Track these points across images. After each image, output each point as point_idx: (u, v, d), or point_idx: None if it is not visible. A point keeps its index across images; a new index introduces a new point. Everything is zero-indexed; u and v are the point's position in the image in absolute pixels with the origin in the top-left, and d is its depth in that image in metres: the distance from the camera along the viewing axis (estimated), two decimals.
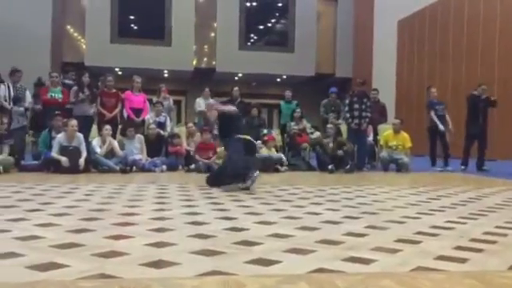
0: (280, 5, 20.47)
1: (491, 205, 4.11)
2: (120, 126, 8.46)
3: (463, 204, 4.13)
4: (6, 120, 7.44)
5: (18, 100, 7.86)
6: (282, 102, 10.52)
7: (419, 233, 2.77)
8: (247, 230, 2.78)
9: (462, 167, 8.76)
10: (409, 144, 8.80)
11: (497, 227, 3.02)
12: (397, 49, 17.67)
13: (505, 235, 2.77)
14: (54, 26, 17.60)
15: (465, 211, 3.69)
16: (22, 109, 7.80)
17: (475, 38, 13.59)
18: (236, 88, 10.07)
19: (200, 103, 9.81)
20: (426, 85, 15.72)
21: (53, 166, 6.86)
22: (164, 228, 2.78)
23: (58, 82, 8.22)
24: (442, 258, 2.20)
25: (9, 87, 7.91)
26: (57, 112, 7.55)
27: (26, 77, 8.61)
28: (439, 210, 3.71)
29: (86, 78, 8.12)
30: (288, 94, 10.44)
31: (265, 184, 5.68)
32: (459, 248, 2.40)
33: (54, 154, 6.87)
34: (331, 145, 8.20)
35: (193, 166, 7.72)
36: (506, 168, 9.27)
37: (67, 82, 8.70)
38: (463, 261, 2.15)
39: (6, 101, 7.78)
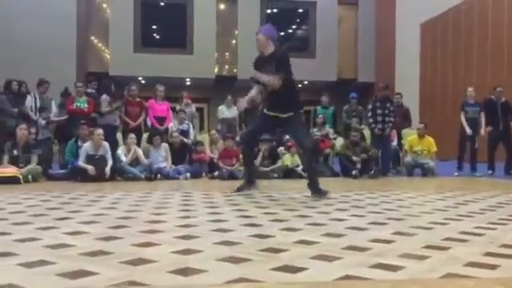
0: (301, 11, 20.48)
1: None
2: (145, 135, 8.58)
3: (492, 209, 4.05)
4: (33, 130, 7.62)
5: (43, 110, 8.04)
6: (318, 108, 10.43)
7: (447, 239, 2.73)
8: (273, 236, 2.78)
9: (489, 172, 8.59)
10: (434, 148, 8.69)
11: None
12: (420, 52, 17.48)
13: None
14: (78, 37, 17.96)
15: (494, 216, 3.62)
16: (43, 122, 7.96)
17: (500, 40, 13.35)
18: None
19: (223, 111, 9.89)
20: (450, 88, 15.54)
21: (80, 175, 6.98)
22: (190, 235, 2.80)
23: (82, 92, 8.39)
24: (471, 264, 2.16)
25: (35, 98, 8.10)
26: (82, 121, 7.70)
27: (53, 88, 8.81)
28: (467, 216, 3.65)
29: (113, 87, 8.30)
30: (325, 99, 10.35)
31: (289, 190, 5.68)
32: (489, 254, 2.36)
33: (81, 162, 7.00)
34: (355, 158, 8.10)
35: (216, 173, 7.77)
36: None
37: (90, 91, 8.86)
38: (493, 267, 2.10)
39: (32, 111, 7.98)
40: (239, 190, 5.19)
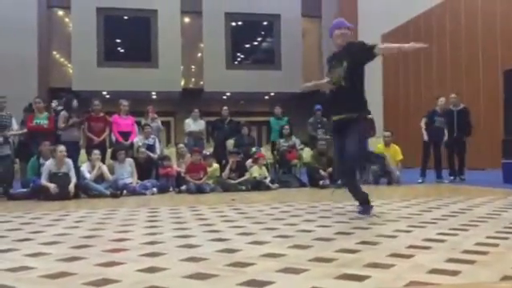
0: (265, 23, 20.68)
1: (482, 215, 4.13)
2: (110, 150, 8.42)
3: (454, 215, 4.15)
4: None
5: (3, 127, 7.79)
6: (271, 119, 10.50)
7: (411, 246, 2.78)
8: (240, 250, 2.77)
9: (451, 178, 8.84)
10: (400, 157, 8.85)
11: (488, 237, 3.03)
12: (382, 63, 17.88)
13: (496, 245, 2.79)
14: (40, 52, 17.61)
15: (456, 222, 3.71)
16: (1, 139, 7.70)
17: (458, 50, 13.82)
18: (225, 107, 10.12)
19: (189, 124, 9.84)
20: (412, 97, 15.94)
21: (42, 194, 6.79)
22: (156, 252, 2.76)
23: (42, 108, 8.14)
24: (434, 271, 2.20)
25: None
26: (45, 138, 7.49)
27: (14, 104, 8.57)
28: (431, 223, 3.73)
29: (75, 103, 8.07)
30: (278, 110, 10.45)
31: (256, 202, 5.68)
32: (451, 260, 2.41)
33: (43, 180, 6.80)
34: (322, 172, 8.21)
35: (184, 188, 7.69)
36: (481, 176, 9.42)
37: (60, 108, 8.60)
38: (455, 273, 2.15)
39: None
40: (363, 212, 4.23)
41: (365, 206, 4.22)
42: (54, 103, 8.80)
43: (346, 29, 4.38)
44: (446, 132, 8.94)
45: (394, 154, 8.81)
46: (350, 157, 4.17)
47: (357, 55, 4.24)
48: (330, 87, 4.39)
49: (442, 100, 9.18)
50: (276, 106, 10.75)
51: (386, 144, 8.86)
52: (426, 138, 8.91)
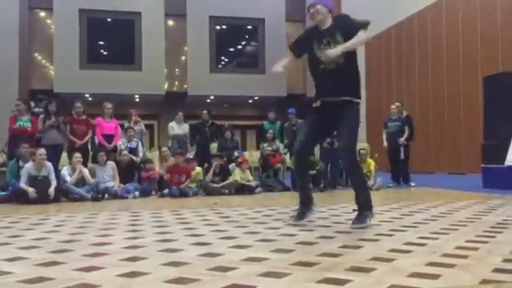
0: (249, 27, 20.73)
1: (462, 219, 4.18)
2: (92, 153, 8.33)
3: (434, 219, 4.19)
4: None
5: None
6: (265, 123, 10.46)
7: (392, 250, 2.79)
8: (222, 255, 2.75)
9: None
10: (372, 168, 8.91)
11: (468, 241, 3.07)
12: (365, 67, 18.03)
13: (476, 249, 2.81)
14: (21, 53, 17.38)
15: (436, 226, 3.74)
16: None
17: (440, 55, 14.01)
18: (205, 111, 10.05)
19: (173, 127, 9.78)
20: (394, 101, 16.09)
21: (22, 197, 6.67)
22: (137, 257, 2.72)
23: (24, 110, 8.00)
24: (415, 275, 2.21)
25: None
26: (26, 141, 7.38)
27: None
28: (412, 226, 3.76)
29: (52, 107, 7.95)
30: (272, 115, 10.41)
31: (240, 206, 5.67)
32: (432, 264, 2.43)
33: (23, 184, 6.69)
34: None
35: (166, 191, 7.64)
36: (461, 181, 9.51)
37: (37, 110, 8.50)
38: (436, 277, 2.17)
39: None
40: (296, 218, 4.07)
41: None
42: (32, 105, 8.68)
43: (316, 6, 4.10)
44: (404, 135, 9.16)
45: (369, 168, 8.84)
46: (346, 147, 3.75)
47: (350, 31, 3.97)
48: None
49: (391, 108, 9.54)
50: (270, 110, 10.65)
51: (362, 161, 8.86)
52: (385, 144, 9.29)
